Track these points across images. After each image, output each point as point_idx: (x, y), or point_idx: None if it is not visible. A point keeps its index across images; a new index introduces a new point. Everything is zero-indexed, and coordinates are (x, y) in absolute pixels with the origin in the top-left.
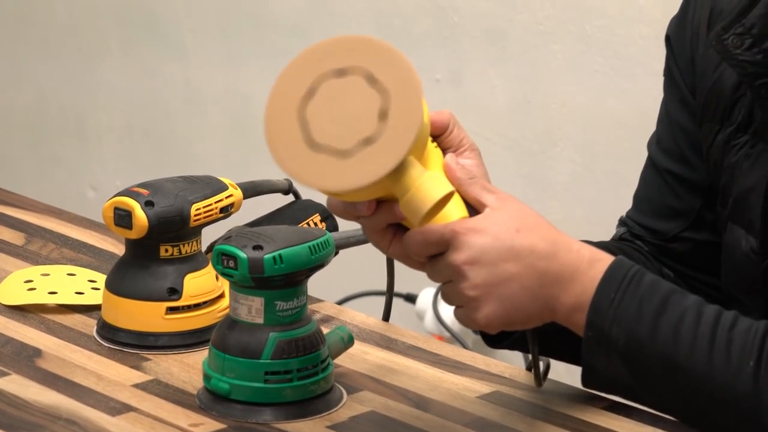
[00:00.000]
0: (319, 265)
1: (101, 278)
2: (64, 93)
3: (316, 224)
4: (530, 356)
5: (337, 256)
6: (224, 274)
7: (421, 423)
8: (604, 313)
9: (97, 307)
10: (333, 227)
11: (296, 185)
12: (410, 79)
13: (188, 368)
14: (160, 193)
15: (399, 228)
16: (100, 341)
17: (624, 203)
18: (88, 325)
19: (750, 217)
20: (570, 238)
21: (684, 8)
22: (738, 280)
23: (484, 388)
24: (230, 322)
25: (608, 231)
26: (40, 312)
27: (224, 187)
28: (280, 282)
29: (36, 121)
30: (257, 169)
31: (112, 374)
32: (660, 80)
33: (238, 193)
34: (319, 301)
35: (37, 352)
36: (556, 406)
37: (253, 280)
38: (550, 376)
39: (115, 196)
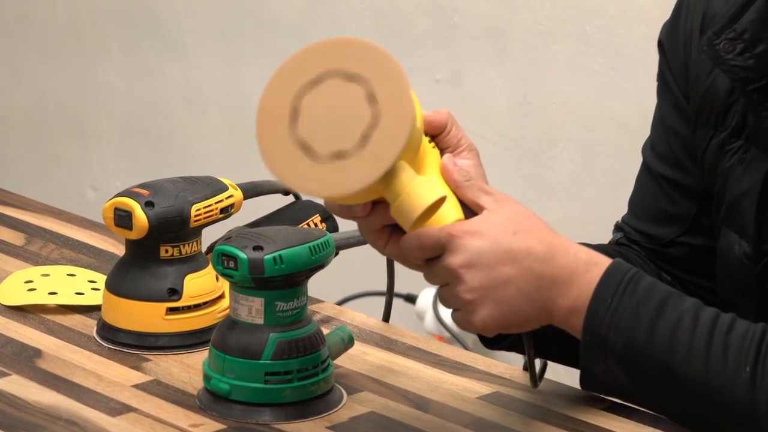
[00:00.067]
0: (320, 265)
1: (101, 279)
2: (64, 93)
3: (316, 225)
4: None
5: (337, 256)
6: (224, 275)
7: (421, 424)
8: (600, 318)
9: (97, 308)
10: (333, 228)
11: None
12: (399, 82)
13: (188, 369)
14: (161, 194)
15: (395, 229)
16: (100, 342)
17: (624, 203)
18: (88, 325)
19: (743, 222)
20: (567, 241)
21: (676, 13)
22: (731, 285)
23: (484, 388)
24: (230, 323)
25: (608, 231)
26: (40, 312)
27: (224, 188)
28: (281, 282)
29: (36, 121)
30: (257, 170)
31: (112, 375)
32: None
33: (238, 194)
34: (319, 301)
35: (37, 353)
36: (556, 407)
37: (253, 280)
38: (551, 376)
39: (115, 196)
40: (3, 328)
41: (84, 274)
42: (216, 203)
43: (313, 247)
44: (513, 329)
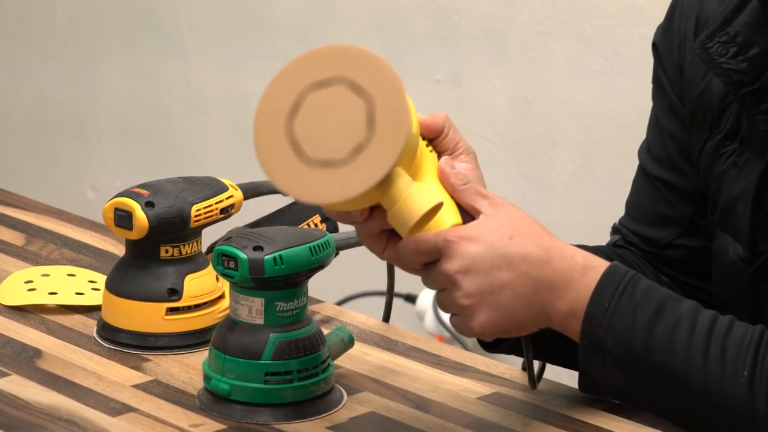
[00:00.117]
0: (320, 266)
1: (101, 279)
2: (64, 93)
3: (316, 225)
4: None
5: (337, 256)
6: (224, 275)
7: (421, 424)
8: (598, 322)
9: (97, 308)
10: (333, 228)
11: None
12: (394, 88)
13: (188, 369)
14: (161, 194)
15: (393, 233)
16: (101, 342)
17: (624, 204)
18: (88, 325)
19: (737, 224)
20: (564, 244)
21: (670, 15)
22: (727, 287)
23: (484, 389)
24: (230, 323)
25: (608, 231)
26: (40, 312)
27: (224, 188)
28: (281, 283)
29: (36, 121)
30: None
31: (113, 375)
32: None
33: (238, 194)
34: (319, 301)
35: (38, 353)
36: (556, 408)
37: (253, 280)
38: (550, 377)
39: (115, 196)
40: (3, 328)
41: (84, 274)
42: (216, 203)
43: (314, 247)
44: (511, 333)
